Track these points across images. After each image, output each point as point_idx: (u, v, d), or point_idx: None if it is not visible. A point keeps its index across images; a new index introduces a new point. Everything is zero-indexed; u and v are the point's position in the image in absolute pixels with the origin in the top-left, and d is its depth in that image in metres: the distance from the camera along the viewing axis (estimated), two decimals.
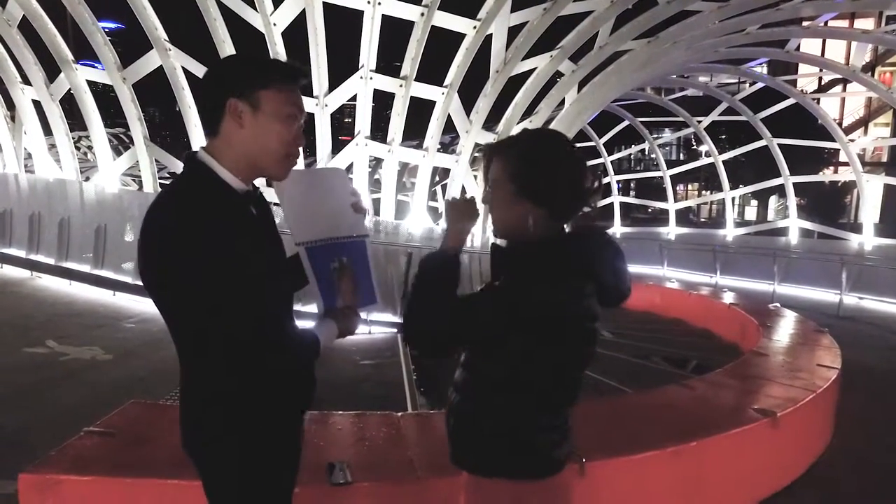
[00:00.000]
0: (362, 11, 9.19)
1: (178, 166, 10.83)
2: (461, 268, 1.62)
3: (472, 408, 1.60)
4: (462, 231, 1.63)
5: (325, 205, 1.73)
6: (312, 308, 1.73)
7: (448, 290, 1.54)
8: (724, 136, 26.80)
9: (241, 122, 1.45)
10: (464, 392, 1.63)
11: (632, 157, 37.80)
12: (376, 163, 14.45)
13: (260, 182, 1.64)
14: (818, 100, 18.74)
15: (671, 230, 21.24)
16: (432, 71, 10.24)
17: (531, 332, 1.46)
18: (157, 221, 1.40)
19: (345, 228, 1.76)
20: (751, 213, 35.88)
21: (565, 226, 1.61)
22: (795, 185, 19.60)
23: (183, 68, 9.69)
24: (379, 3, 9.09)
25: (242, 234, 1.42)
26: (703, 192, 35.35)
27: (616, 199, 22.84)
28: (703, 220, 37.23)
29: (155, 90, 13.39)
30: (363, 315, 1.86)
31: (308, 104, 8.81)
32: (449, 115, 10.30)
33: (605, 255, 1.56)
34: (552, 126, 12.13)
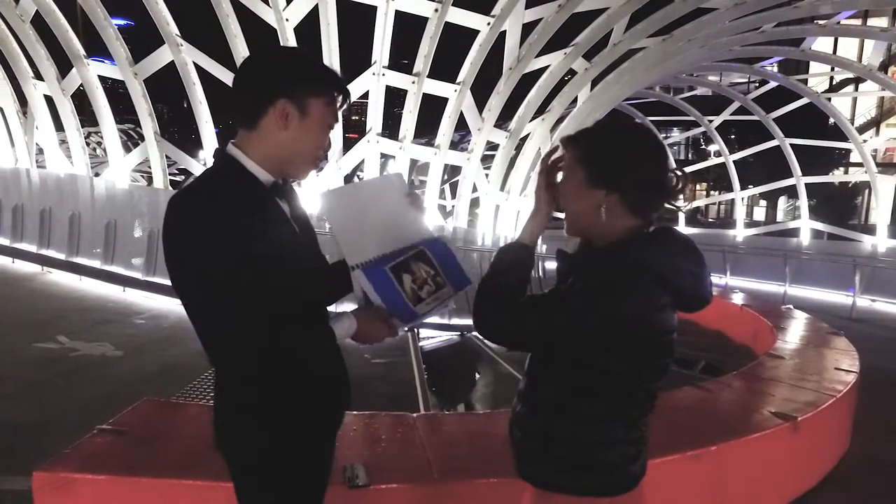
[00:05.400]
0: (376, 7, 9.14)
1: (188, 162, 10.83)
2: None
3: (541, 420, 1.51)
4: (540, 216, 1.54)
5: (378, 218, 1.64)
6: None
7: (516, 287, 1.47)
8: (733, 136, 26.62)
9: (286, 125, 1.44)
10: (530, 402, 1.55)
11: None
12: (384, 160, 14.43)
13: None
14: (829, 99, 18.57)
15: (680, 230, 21.12)
16: (445, 68, 10.18)
17: (597, 346, 1.38)
18: (180, 213, 1.38)
19: (405, 238, 1.66)
20: (759, 213, 35.65)
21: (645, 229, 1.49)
22: (805, 185, 19.46)
23: (195, 64, 9.66)
24: None
25: (268, 226, 1.42)
26: (712, 192, 35.14)
27: None
28: (711, 220, 37.02)
29: (163, 87, 13.39)
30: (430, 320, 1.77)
31: None
32: (461, 112, 10.24)
33: (682, 261, 1.44)
34: (564, 124, 12.07)
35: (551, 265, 9.11)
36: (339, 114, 1.57)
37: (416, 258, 1.63)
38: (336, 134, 9.68)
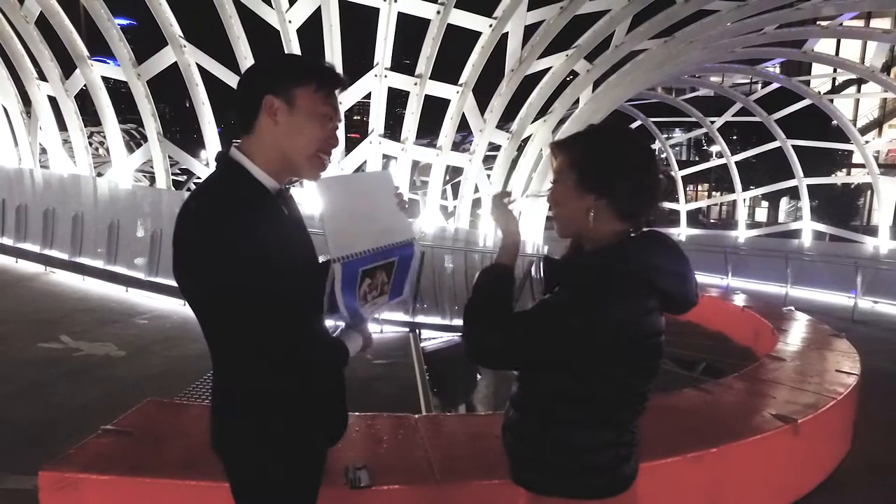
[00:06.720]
0: (378, 9, 9.16)
1: (190, 162, 10.85)
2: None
3: (533, 424, 1.53)
4: (512, 240, 1.57)
5: (366, 213, 1.63)
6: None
7: (502, 307, 1.48)
8: (735, 137, 26.61)
9: (276, 119, 1.45)
10: (522, 408, 1.57)
11: None
12: (386, 161, 14.45)
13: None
14: (831, 101, 18.56)
15: (682, 231, 21.11)
16: (447, 69, 10.20)
17: (587, 351, 1.39)
18: (189, 220, 1.39)
19: (388, 236, 1.65)
20: (761, 214, 35.62)
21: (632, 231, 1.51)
22: (807, 186, 19.45)
23: (197, 65, 9.68)
24: (395, 1, 9.05)
25: (274, 233, 1.42)
26: (714, 193, 35.12)
27: None
28: (713, 221, 36.97)
29: (164, 87, 13.43)
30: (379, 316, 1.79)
31: None
32: (463, 113, 10.26)
33: (668, 264, 1.46)
34: (566, 125, 12.08)
35: None
36: (337, 100, 1.54)
37: (384, 267, 1.65)
38: (338, 134, 9.69)
